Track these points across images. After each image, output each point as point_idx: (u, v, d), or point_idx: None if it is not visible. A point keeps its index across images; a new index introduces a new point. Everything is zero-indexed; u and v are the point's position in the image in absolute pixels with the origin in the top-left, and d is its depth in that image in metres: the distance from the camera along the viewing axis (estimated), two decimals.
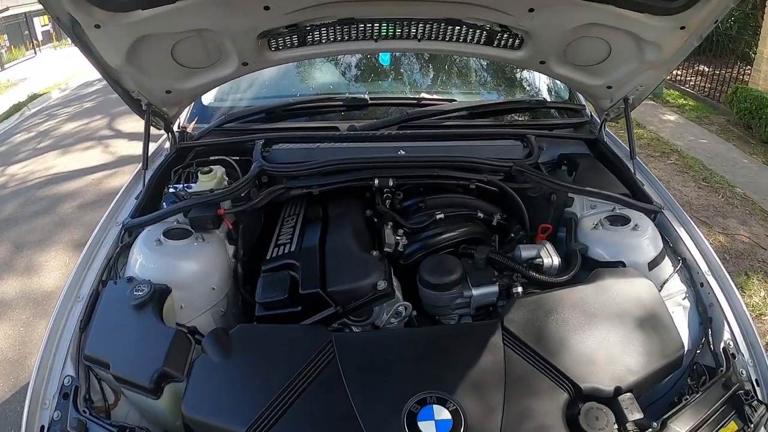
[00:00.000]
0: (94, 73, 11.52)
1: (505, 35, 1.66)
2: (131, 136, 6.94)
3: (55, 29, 19.51)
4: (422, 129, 2.02)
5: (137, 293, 1.32)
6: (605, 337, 1.25)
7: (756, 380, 1.29)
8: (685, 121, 6.67)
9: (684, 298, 1.54)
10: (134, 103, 1.83)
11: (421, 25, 1.62)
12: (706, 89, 7.68)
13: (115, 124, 7.68)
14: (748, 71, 7.12)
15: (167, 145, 2.17)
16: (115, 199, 1.88)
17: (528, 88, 2.63)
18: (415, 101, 2.22)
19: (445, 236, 1.66)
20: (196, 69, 1.75)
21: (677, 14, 1.51)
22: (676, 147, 5.80)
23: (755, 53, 6.98)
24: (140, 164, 2.01)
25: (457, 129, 2.03)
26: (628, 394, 1.14)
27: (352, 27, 1.62)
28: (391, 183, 1.71)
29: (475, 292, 1.45)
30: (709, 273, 1.55)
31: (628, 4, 1.48)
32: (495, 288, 1.47)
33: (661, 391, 1.38)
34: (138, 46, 1.57)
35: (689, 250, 1.63)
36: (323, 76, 2.56)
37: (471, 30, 1.64)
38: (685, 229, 1.71)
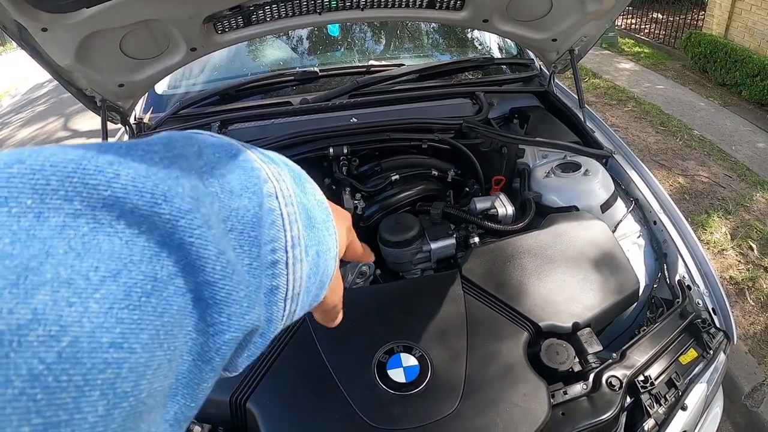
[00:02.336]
0: (43, 76, 11.11)
1: None
2: (89, 134, 6.75)
3: None
4: (373, 96, 2.04)
5: None
6: (562, 279, 1.30)
7: (713, 309, 1.35)
8: (641, 69, 6.75)
9: (639, 237, 1.60)
10: (89, 101, 1.82)
11: None
12: (660, 36, 7.78)
13: (70, 123, 7.45)
14: (702, 17, 7.22)
15: (126, 138, 2.13)
16: None
17: (478, 47, 2.64)
18: (365, 69, 2.23)
19: (401, 196, 1.68)
20: (146, 60, 1.74)
21: None
22: (632, 94, 5.89)
23: None
24: None
25: (407, 92, 2.05)
26: (587, 329, 1.19)
27: (294, 2, 1.61)
28: (345, 150, 1.73)
29: (434, 245, 1.49)
30: (661, 211, 1.60)
31: None
32: (452, 240, 1.51)
33: (624, 326, 1.44)
34: (86, 44, 1.55)
35: (641, 191, 1.68)
36: (273, 52, 2.54)
37: None
38: (636, 172, 1.76)
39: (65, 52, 1.55)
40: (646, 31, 8.18)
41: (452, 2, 1.71)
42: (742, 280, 3.03)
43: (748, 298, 2.91)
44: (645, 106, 5.54)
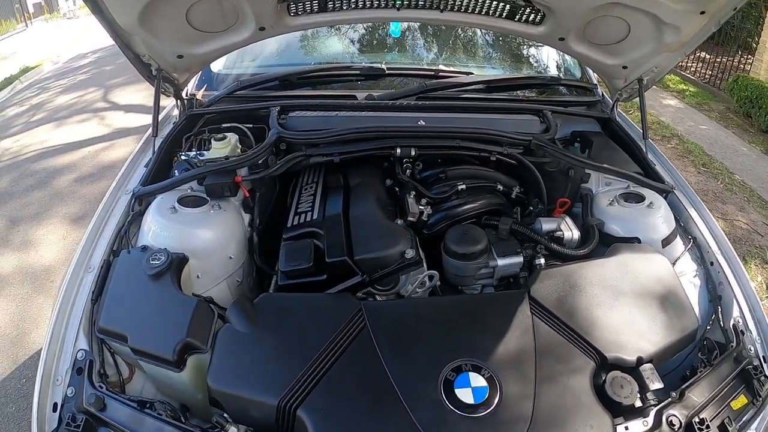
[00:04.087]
0: (86, 46, 11.36)
1: (528, 10, 1.66)
2: (127, 108, 6.82)
3: (46, 2, 19.07)
4: (440, 101, 2.00)
5: (154, 262, 1.27)
6: (626, 310, 1.28)
7: (763, 356, 1.33)
8: (685, 107, 6.66)
9: (695, 276, 1.57)
10: (144, 68, 1.78)
11: None
12: (706, 76, 7.67)
13: (110, 96, 7.53)
14: (750, 60, 7.11)
15: (176, 112, 2.12)
16: (124, 167, 1.83)
17: (541, 64, 2.62)
18: (432, 73, 2.20)
19: (468, 207, 1.66)
20: (210, 33, 1.70)
21: None
22: (676, 131, 5.81)
23: (757, 43, 6.97)
24: (148, 132, 1.96)
25: (474, 102, 2.02)
26: (649, 364, 1.17)
27: None
28: (413, 153, 1.70)
29: (500, 262, 1.47)
30: (719, 253, 1.58)
31: None
32: (520, 258, 1.49)
33: (674, 365, 1.41)
34: (152, 7, 1.51)
35: (700, 230, 1.66)
36: (334, 44, 2.52)
37: (494, 3, 1.63)
38: (695, 210, 1.74)
39: (129, 13, 1.51)
40: (692, 69, 8.06)
41: (532, 16, 1.69)
42: None
43: None
44: (688, 144, 5.45)
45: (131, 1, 1.48)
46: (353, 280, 1.37)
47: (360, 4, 1.65)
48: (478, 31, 2.53)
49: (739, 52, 7.43)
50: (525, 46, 2.59)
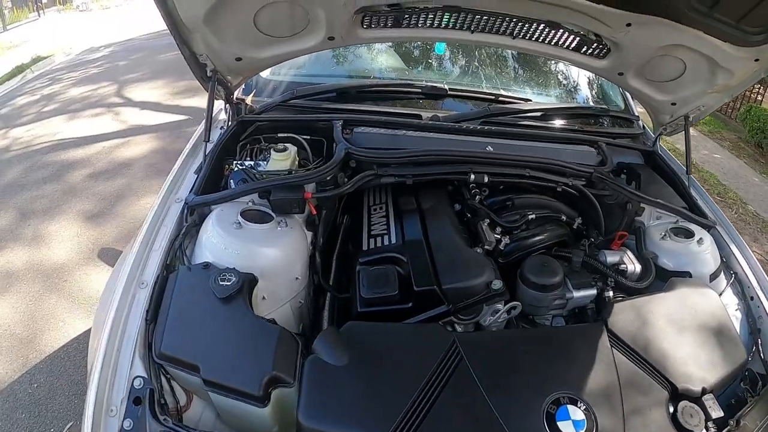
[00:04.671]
0: (99, 39, 11.33)
1: (595, 44, 1.68)
2: (142, 105, 6.75)
3: None
4: (502, 126, 1.99)
5: (224, 283, 1.19)
6: (689, 343, 1.34)
7: None
8: (698, 134, 6.71)
9: (736, 310, 1.63)
10: (199, 68, 1.70)
11: (521, 23, 1.62)
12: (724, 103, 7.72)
13: (124, 91, 7.46)
14: (762, 91, 7.17)
15: (222, 116, 2.05)
16: (173, 173, 1.73)
17: (588, 95, 2.64)
18: (493, 97, 2.19)
19: (541, 237, 1.67)
20: (275, 38, 1.64)
21: (755, 47, 1.59)
22: (692, 159, 5.83)
23: None
24: (195, 136, 1.90)
25: (533, 129, 2.03)
26: (710, 394, 1.23)
27: (453, 15, 1.58)
28: (485, 179, 1.69)
29: (576, 294, 1.49)
30: (758, 288, 1.65)
31: (717, 32, 1.55)
32: (594, 291, 1.51)
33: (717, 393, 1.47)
34: (221, 5, 1.45)
35: (741, 265, 1.73)
36: (387, 60, 2.48)
37: (566, 34, 1.66)
38: (736, 246, 1.80)
39: (196, 7, 1.43)
40: None
41: (598, 50, 1.72)
42: None
43: None
44: (704, 173, 5.51)
45: None
46: (439, 309, 1.35)
47: (436, 24, 1.63)
48: (536, 57, 2.52)
49: (754, 84, 7.47)
50: (575, 75, 2.61)
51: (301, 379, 1.11)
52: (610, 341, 1.28)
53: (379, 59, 2.49)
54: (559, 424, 1.08)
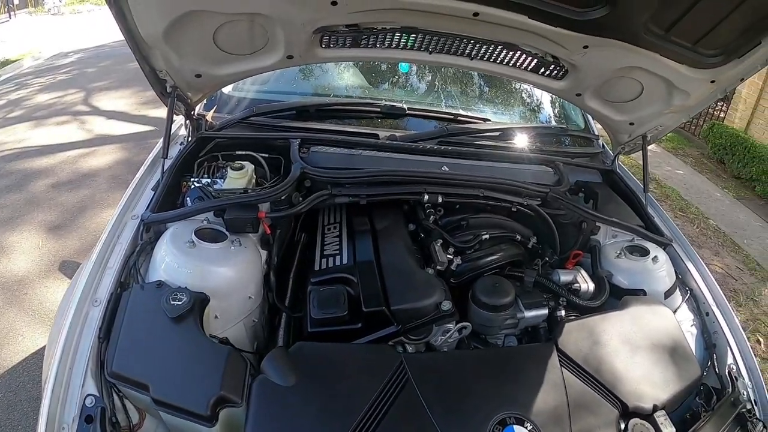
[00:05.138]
0: (69, 44, 11.11)
1: (552, 65, 1.71)
2: (109, 114, 6.66)
3: None
4: (459, 146, 2.02)
5: (175, 303, 1.20)
6: (642, 361, 1.36)
7: (755, 400, 1.44)
8: (662, 151, 6.90)
9: (692, 326, 1.67)
10: (159, 84, 1.69)
11: (478, 45, 1.64)
12: (683, 122, 7.95)
13: (92, 100, 7.34)
14: (725, 109, 7.40)
15: (182, 132, 2.04)
16: (130, 189, 1.72)
17: (548, 114, 2.68)
18: (452, 116, 2.22)
19: (493, 257, 1.68)
20: (235, 55, 1.64)
21: (712, 69, 1.63)
22: (654, 176, 6.01)
23: (732, 92, 7.26)
24: (154, 151, 1.88)
25: (490, 149, 2.06)
26: (662, 411, 1.25)
27: (411, 36, 1.60)
28: (440, 200, 1.70)
29: (528, 314, 1.50)
30: (714, 303, 1.69)
31: (672, 54, 1.58)
32: (545, 311, 1.53)
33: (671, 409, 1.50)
34: (180, 22, 1.44)
35: (696, 282, 1.76)
36: (350, 78, 2.50)
37: (524, 56, 1.68)
38: (692, 262, 1.84)
39: (155, 24, 1.43)
40: None
41: (556, 71, 1.75)
42: None
43: None
44: (666, 189, 5.66)
45: (160, 13, 1.41)
46: (388, 330, 1.36)
47: (394, 44, 1.65)
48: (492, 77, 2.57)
49: (717, 101, 7.71)
50: (534, 96, 2.65)
51: (249, 399, 1.11)
52: (560, 361, 1.29)
53: (343, 77, 2.50)
54: None
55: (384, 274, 1.48)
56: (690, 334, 1.61)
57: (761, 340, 3.40)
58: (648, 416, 1.24)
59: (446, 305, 1.40)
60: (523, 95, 2.68)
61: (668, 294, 1.67)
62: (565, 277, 1.64)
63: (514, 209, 1.78)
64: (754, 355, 3.18)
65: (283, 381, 1.14)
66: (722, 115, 7.39)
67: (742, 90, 6.86)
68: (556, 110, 2.64)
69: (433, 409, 1.13)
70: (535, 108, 2.65)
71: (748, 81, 6.67)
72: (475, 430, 1.11)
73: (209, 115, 2.11)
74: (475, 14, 1.41)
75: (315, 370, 1.19)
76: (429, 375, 1.22)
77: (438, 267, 1.57)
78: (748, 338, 3.29)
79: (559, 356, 1.31)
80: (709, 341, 1.61)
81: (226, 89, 2.23)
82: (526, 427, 1.13)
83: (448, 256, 1.62)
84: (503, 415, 1.14)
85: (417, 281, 1.47)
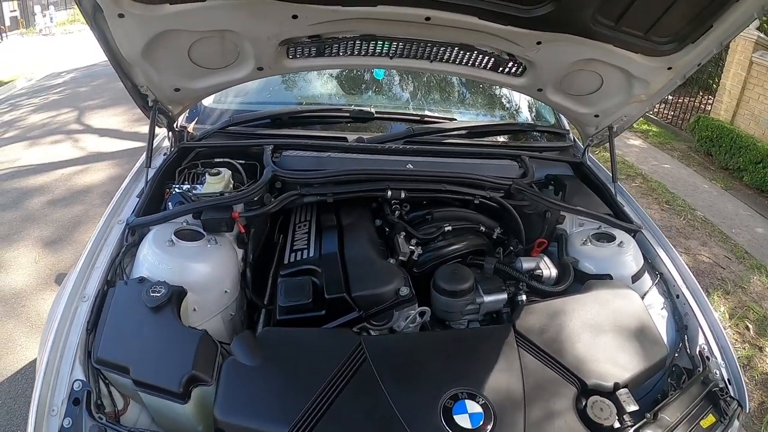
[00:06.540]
0: (61, 65, 11.21)
1: (510, 63, 1.78)
2: (101, 132, 6.76)
3: (23, 16, 18.84)
4: (425, 145, 2.10)
5: (154, 294, 1.30)
6: (602, 341, 1.40)
7: (728, 380, 1.46)
8: (648, 146, 6.97)
9: (662, 308, 1.70)
10: (140, 98, 1.81)
11: (436, 47, 1.71)
12: (669, 116, 8.04)
13: (84, 118, 7.45)
14: (710, 101, 7.49)
15: (166, 143, 2.15)
16: (116, 197, 1.84)
17: (518, 111, 2.75)
18: (418, 117, 2.31)
19: (454, 247, 1.75)
20: (209, 69, 1.75)
21: (666, 56, 1.69)
22: (640, 171, 6.07)
23: (717, 84, 7.36)
24: (139, 162, 1.98)
25: (457, 147, 2.13)
26: (625, 389, 1.28)
27: (371, 43, 1.68)
28: (402, 195, 1.78)
29: (487, 299, 1.56)
30: (684, 286, 1.72)
31: (625, 44, 1.63)
32: (504, 295, 1.59)
33: (646, 390, 1.52)
34: (157, 41, 1.55)
35: (666, 266, 1.80)
36: (321, 85, 2.61)
37: (481, 56, 1.75)
38: (661, 248, 1.88)
39: (134, 44, 1.54)
40: (655, 110, 8.45)
41: (514, 69, 1.82)
42: (739, 358, 3.13)
43: (743, 377, 3.02)
44: (652, 183, 5.71)
45: (137, 33, 1.51)
46: (350, 315, 1.43)
47: (356, 52, 1.73)
48: (460, 78, 2.65)
49: (701, 93, 7.82)
50: (503, 94, 2.73)
51: (218, 378, 1.19)
52: (517, 342, 1.34)
53: (318, 86, 2.61)
54: (456, 417, 1.13)
55: (347, 265, 1.56)
56: (661, 317, 1.65)
57: (750, 326, 3.45)
58: (609, 394, 1.27)
59: (404, 291, 1.47)
60: (491, 93, 2.75)
61: (636, 278, 1.72)
62: (527, 264, 1.70)
63: (476, 201, 1.86)
64: (743, 341, 3.26)
65: (249, 361, 1.22)
66: (708, 107, 7.47)
67: (727, 82, 6.95)
68: (526, 107, 2.71)
69: (387, 385, 1.18)
70: (505, 106, 2.73)
71: (732, 73, 6.79)
72: (428, 405, 1.16)
73: (191, 127, 2.22)
74: (428, 18, 1.49)
75: (279, 352, 1.28)
76: (386, 355, 1.28)
77: (400, 257, 1.65)
78: (737, 325, 3.39)
79: (516, 337, 1.35)
80: (680, 323, 1.64)
81: (207, 102, 2.34)
82: (479, 402, 1.17)
83: (411, 247, 1.70)
84: (455, 391, 1.18)
85: (377, 270, 1.55)
